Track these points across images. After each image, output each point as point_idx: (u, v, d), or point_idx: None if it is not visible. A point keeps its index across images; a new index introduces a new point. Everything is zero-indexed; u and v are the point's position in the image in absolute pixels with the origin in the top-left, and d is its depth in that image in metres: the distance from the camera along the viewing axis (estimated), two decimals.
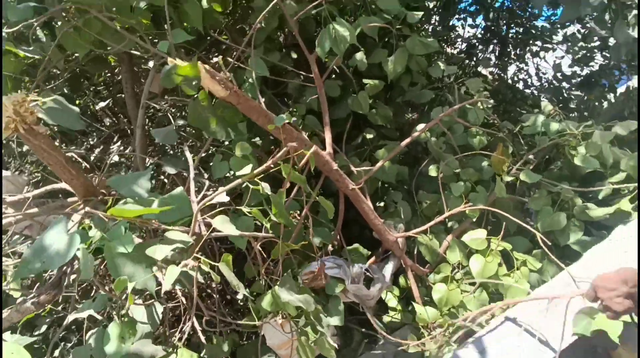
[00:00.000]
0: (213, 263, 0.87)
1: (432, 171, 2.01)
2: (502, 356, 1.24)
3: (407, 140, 1.84)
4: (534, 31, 3.79)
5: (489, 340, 1.30)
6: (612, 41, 3.12)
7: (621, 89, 3.71)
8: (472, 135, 2.01)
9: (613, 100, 3.69)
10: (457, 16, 4.09)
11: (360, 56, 1.99)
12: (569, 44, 3.46)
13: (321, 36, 1.68)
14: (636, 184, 1.60)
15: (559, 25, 3.60)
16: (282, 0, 1.86)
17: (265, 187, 0.98)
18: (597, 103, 3.53)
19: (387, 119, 2.22)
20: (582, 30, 3.34)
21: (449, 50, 4.42)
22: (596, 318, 1.24)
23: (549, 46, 3.86)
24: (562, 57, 3.57)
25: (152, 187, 2.43)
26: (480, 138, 2.01)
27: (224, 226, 0.90)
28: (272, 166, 0.98)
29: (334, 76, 2.29)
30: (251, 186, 1.00)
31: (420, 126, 1.95)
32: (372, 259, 1.91)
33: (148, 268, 0.92)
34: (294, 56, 2.21)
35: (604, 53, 3.37)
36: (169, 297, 1.98)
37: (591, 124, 1.94)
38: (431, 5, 3.65)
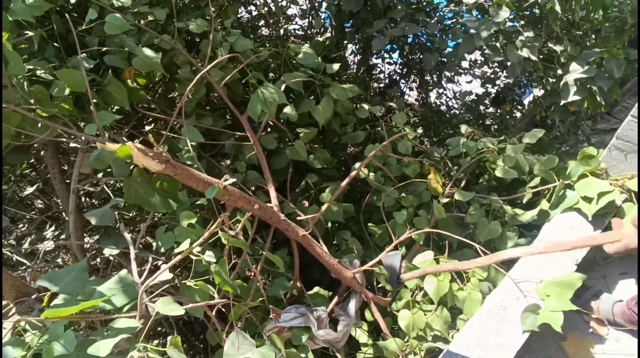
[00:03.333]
0: (161, 349, 0.85)
1: (377, 202, 2.13)
2: None
3: (347, 180, 1.94)
4: (444, 59, 4.23)
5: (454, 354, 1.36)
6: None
7: (528, 99, 4.21)
8: (405, 165, 2.17)
9: (524, 110, 4.16)
10: (376, 55, 4.47)
11: (289, 109, 2.11)
12: (475, 68, 3.89)
13: (252, 100, 1.78)
14: (549, 186, 1.80)
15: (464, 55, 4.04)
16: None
17: (209, 256, 0.99)
18: (508, 116, 3.95)
19: (326, 161, 2.33)
20: (481, 59, 3.78)
21: (375, 85, 4.76)
22: (540, 313, 1.35)
23: (461, 71, 4.31)
24: (471, 81, 3.99)
25: (95, 268, 2.30)
26: (412, 166, 2.17)
27: (168, 308, 0.88)
28: (208, 238, 0.99)
29: (269, 129, 2.39)
30: (194, 258, 1.01)
31: (357, 165, 2.07)
32: (336, 299, 1.93)
33: None
34: (228, 116, 2.28)
35: (504, 73, 3.82)
36: None
37: (504, 139, 2.18)
38: (351, 48, 3.95)
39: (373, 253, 2.17)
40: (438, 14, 3.15)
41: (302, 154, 2.16)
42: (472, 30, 2.29)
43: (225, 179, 1.38)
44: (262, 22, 3.81)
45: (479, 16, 2.54)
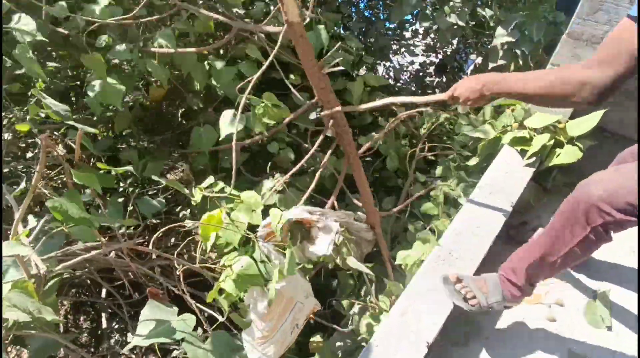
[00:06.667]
0: None
1: None
2: None
3: None
4: (390, 33, 4.29)
5: None
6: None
7: (471, 68, 4.38)
8: None
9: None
10: None
11: None
12: (416, 39, 3.99)
13: None
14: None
15: (405, 25, 4.12)
16: None
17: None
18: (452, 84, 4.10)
19: None
20: (422, 26, 3.87)
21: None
22: None
23: (403, 42, 4.40)
24: (413, 51, 4.09)
25: None
26: None
27: None
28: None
29: None
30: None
31: None
32: None
33: None
34: None
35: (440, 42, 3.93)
36: None
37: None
38: None
39: None
40: None
41: None
42: None
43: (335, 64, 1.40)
44: None
45: None
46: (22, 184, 1.08)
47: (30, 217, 1.28)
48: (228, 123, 1.64)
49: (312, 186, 1.69)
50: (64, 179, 1.83)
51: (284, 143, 2.24)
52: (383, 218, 1.94)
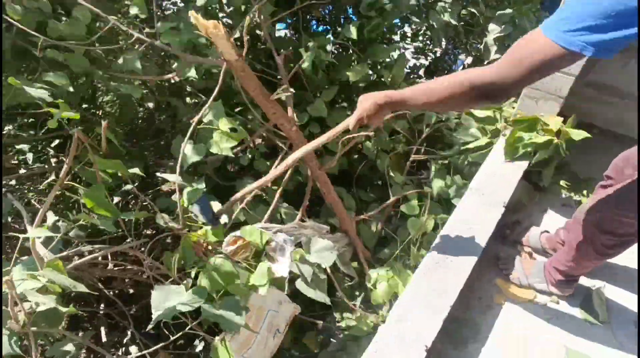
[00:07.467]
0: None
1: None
2: None
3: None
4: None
5: None
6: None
7: (460, 69, 4.42)
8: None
9: None
10: None
11: None
12: (406, 41, 4.02)
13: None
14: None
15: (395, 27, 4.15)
16: None
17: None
18: None
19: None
20: (413, 28, 3.91)
21: None
22: None
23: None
24: (402, 52, 4.11)
25: None
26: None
27: None
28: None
29: None
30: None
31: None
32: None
33: None
34: None
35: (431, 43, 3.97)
36: None
37: None
38: None
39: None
40: None
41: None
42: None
43: (285, 89, 1.58)
44: None
45: None
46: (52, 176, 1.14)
47: (50, 213, 1.33)
48: (191, 150, 1.61)
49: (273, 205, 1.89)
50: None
51: (255, 151, 2.33)
52: (362, 221, 2.07)
